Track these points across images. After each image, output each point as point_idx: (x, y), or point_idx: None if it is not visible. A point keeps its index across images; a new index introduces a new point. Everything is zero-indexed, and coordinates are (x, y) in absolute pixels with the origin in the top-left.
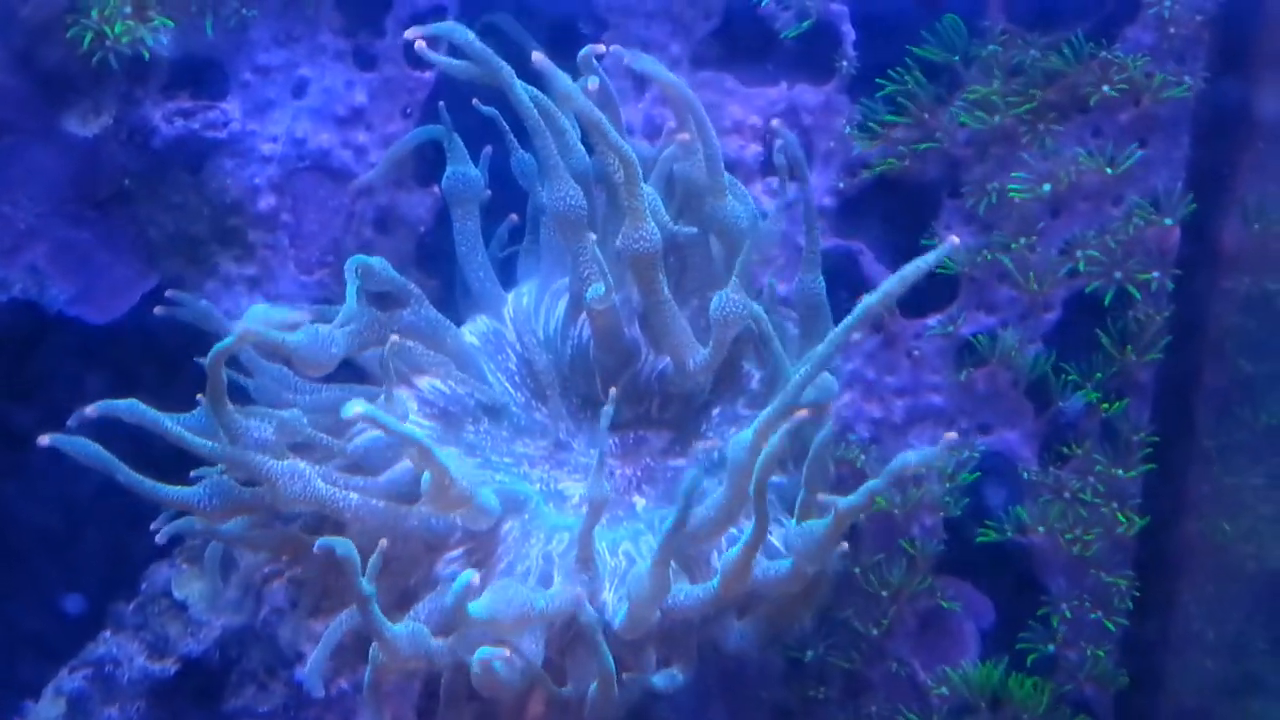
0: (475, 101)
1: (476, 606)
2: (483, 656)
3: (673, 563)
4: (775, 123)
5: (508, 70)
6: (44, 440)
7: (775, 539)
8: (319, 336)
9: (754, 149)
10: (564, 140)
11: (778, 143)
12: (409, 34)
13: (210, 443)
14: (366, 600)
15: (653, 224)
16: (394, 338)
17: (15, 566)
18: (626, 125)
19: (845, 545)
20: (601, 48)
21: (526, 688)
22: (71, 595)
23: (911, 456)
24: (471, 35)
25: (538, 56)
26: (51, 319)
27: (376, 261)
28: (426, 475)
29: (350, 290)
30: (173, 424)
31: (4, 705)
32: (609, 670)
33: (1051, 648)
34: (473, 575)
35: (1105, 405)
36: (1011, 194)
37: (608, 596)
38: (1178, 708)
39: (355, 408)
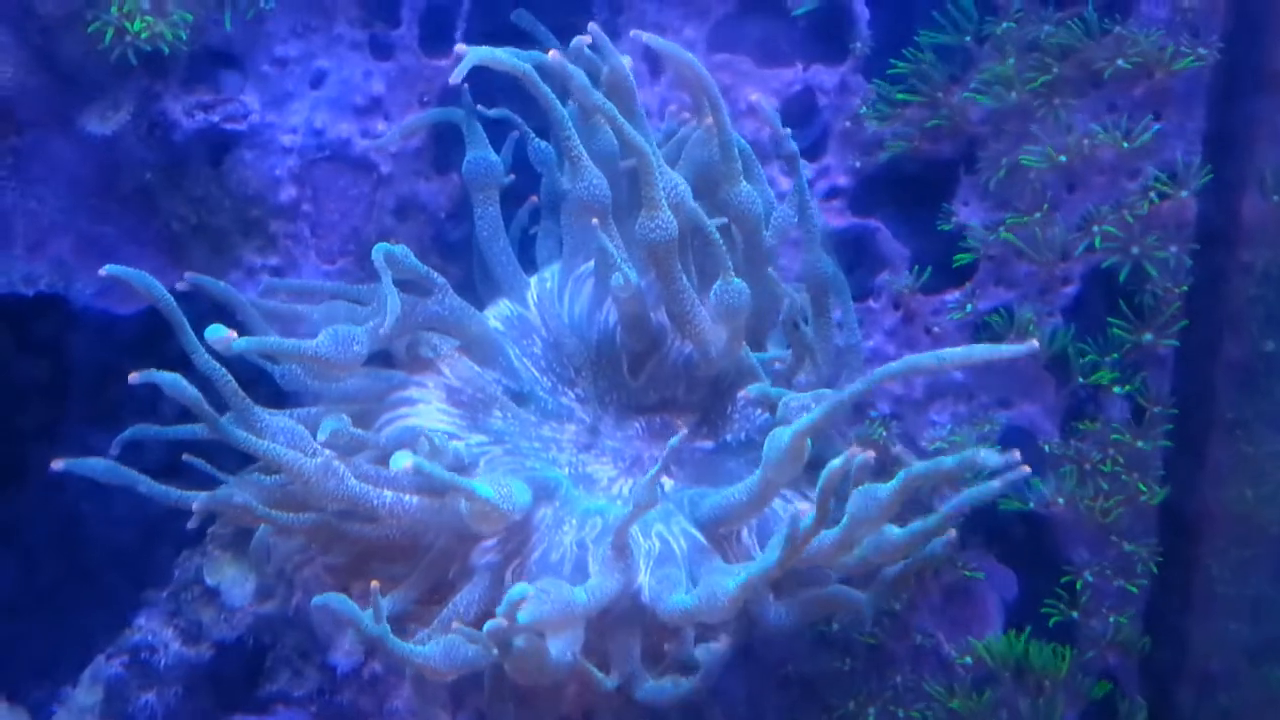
0: (479, 106)
1: (521, 613)
2: (515, 595)
3: (706, 541)
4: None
5: (528, 69)
6: (57, 465)
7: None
8: (340, 338)
9: (769, 131)
10: (590, 125)
11: (781, 132)
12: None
13: (251, 436)
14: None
15: (668, 213)
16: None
17: (91, 582)
18: (644, 107)
19: (953, 533)
20: (588, 39)
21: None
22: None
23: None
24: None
25: (553, 54)
26: (78, 311)
27: (400, 249)
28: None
29: (386, 281)
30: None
31: None
32: None
33: (1075, 614)
34: (527, 589)
35: (1124, 382)
36: (1022, 161)
37: (644, 580)
38: (1202, 673)
39: (404, 461)
